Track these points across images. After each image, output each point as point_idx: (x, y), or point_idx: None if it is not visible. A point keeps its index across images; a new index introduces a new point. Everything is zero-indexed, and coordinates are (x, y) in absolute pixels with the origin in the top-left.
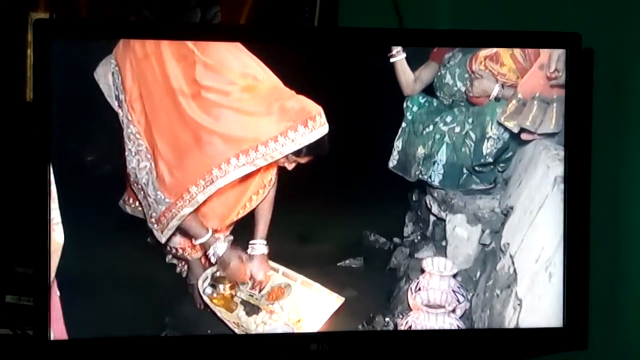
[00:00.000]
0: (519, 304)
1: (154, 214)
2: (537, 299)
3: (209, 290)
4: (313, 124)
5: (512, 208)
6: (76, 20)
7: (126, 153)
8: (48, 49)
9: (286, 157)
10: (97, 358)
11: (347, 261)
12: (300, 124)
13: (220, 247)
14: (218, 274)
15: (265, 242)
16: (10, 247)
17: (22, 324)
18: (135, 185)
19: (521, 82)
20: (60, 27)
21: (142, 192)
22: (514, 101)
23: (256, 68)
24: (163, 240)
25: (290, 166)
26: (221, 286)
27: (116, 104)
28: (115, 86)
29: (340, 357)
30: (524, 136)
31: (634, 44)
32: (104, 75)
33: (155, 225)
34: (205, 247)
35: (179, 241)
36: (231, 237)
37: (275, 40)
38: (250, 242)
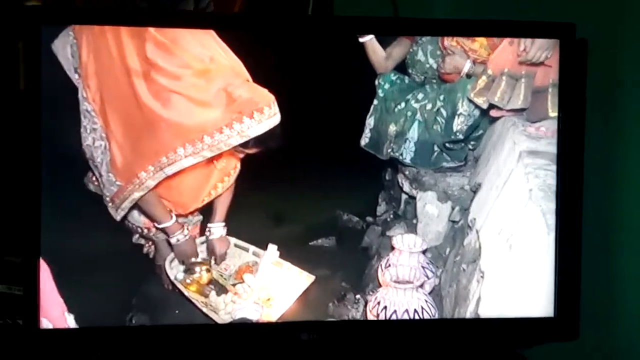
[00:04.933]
0: (482, 277)
1: (107, 193)
2: (499, 275)
3: (180, 276)
4: (260, 116)
5: (480, 185)
6: (65, 7)
7: (82, 130)
8: (38, 35)
9: (234, 148)
10: (87, 346)
11: (320, 240)
12: (245, 116)
13: (181, 237)
14: (192, 259)
15: (223, 224)
16: (0, 236)
17: (13, 313)
18: (92, 162)
19: (491, 57)
20: (49, 13)
21: (97, 171)
22: (483, 77)
23: (216, 48)
24: (118, 218)
25: (241, 156)
26: (197, 269)
27: (76, 77)
28: (74, 59)
29: (330, 346)
30: (493, 113)
31: (628, 34)
32: (62, 48)
33: (110, 204)
34: (167, 232)
35: (143, 221)
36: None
37: (245, 28)
38: (209, 224)
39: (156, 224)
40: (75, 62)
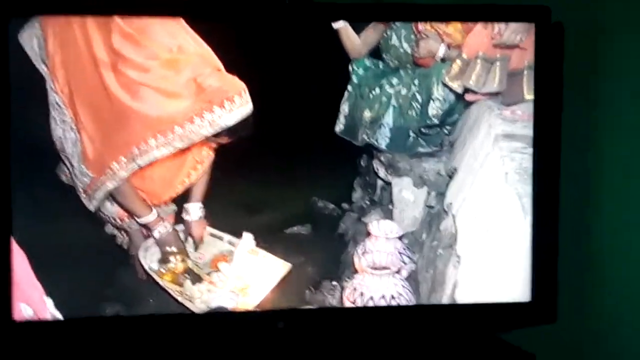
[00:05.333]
0: (457, 261)
1: (80, 185)
2: (476, 260)
3: (155, 266)
4: (231, 105)
5: (455, 169)
6: None
7: (51, 121)
8: (6, 27)
9: (207, 138)
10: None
11: (295, 228)
12: (216, 105)
13: (163, 229)
14: (166, 249)
15: (200, 205)
16: None
17: None
18: (62, 153)
19: (465, 41)
20: (18, 6)
21: (68, 162)
22: (458, 61)
23: (185, 37)
24: (92, 209)
25: (214, 145)
26: (172, 259)
27: (43, 68)
28: (41, 51)
29: (307, 334)
30: (468, 97)
31: (607, 17)
32: (29, 39)
33: (83, 195)
34: (149, 226)
35: (115, 211)
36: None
37: (216, 16)
38: (185, 205)
39: (136, 219)
40: (42, 53)
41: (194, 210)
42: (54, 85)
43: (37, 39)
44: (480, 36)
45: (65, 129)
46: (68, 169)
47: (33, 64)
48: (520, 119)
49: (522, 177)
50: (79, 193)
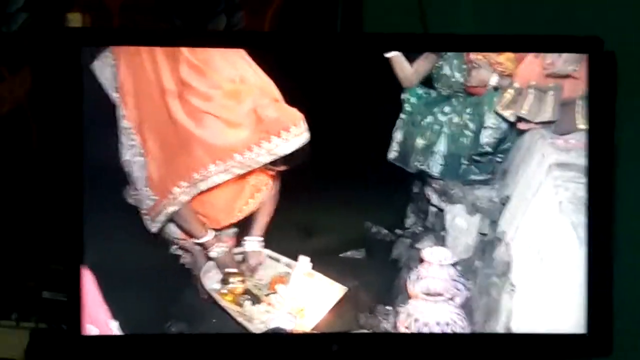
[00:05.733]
0: (512, 290)
1: (144, 207)
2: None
3: (216, 286)
4: (287, 135)
5: (509, 197)
6: (104, 29)
7: (120, 145)
8: (78, 56)
9: (264, 166)
10: (128, 352)
11: (350, 252)
12: (273, 135)
13: (219, 250)
14: (224, 270)
15: (260, 239)
16: (45, 244)
17: (58, 318)
18: (130, 176)
19: (517, 70)
20: (88, 35)
21: (135, 185)
22: (510, 90)
23: (246, 68)
24: (154, 230)
25: (272, 174)
26: (232, 280)
27: (115, 96)
28: (113, 79)
29: (360, 358)
30: (520, 125)
31: None
32: (101, 68)
33: (147, 217)
34: (205, 246)
35: (180, 233)
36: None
37: (275, 47)
38: (245, 237)
39: (194, 240)
40: (114, 81)
41: (253, 244)
42: (124, 111)
43: (110, 68)
44: (532, 66)
45: (133, 153)
46: (134, 192)
47: (106, 92)
48: (574, 148)
49: (576, 207)
50: (142, 215)
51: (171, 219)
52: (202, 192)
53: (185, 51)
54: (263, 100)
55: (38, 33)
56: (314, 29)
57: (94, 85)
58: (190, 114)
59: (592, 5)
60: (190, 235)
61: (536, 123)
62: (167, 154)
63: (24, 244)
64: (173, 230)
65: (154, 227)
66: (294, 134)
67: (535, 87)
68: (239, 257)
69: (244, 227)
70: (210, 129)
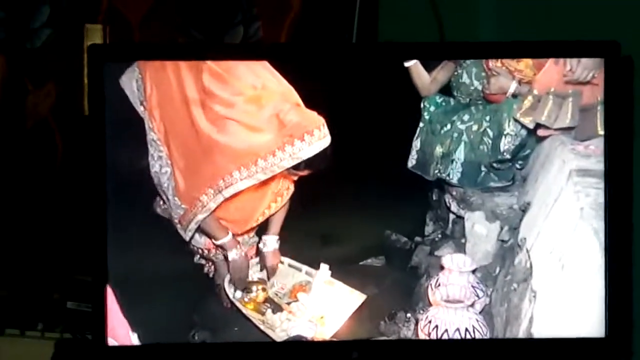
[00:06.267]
0: (533, 296)
1: (175, 216)
2: (552, 295)
3: (238, 294)
4: (310, 138)
5: (529, 204)
6: (126, 44)
7: (149, 158)
8: (101, 71)
9: (287, 170)
10: None
11: (369, 260)
12: (297, 139)
13: (238, 253)
14: (250, 278)
15: (276, 237)
16: (70, 255)
17: (82, 329)
18: (159, 187)
19: (536, 77)
20: (112, 51)
21: (164, 195)
22: (529, 97)
23: (267, 76)
24: (187, 238)
25: (294, 178)
26: (254, 288)
27: (141, 109)
28: (140, 92)
29: None
30: (540, 132)
31: None
32: (129, 82)
33: (179, 225)
34: (224, 248)
35: (203, 242)
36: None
37: (295, 57)
38: (263, 236)
39: (214, 241)
40: (140, 95)
41: (271, 242)
42: (151, 124)
43: (137, 82)
44: (551, 73)
45: (162, 165)
46: (165, 202)
47: (133, 105)
48: (594, 154)
49: (597, 213)
50: (174, 224)
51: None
52: (226, 198)
53: (207, 60)
54: (285, 105)
55: (62, 49)
56: (330, 38)
57: (122, 99)
58: (212, 121)
59: (612, 10)
60: (211, 237)
61: (556, 129)
62: (192, 163)
63: (49, 254)
64: (198, 240)
65: (187, 236)
66: (317, 137)
67: (554, 94)
68: (257, 266)
69: (262, 229)
70: (233, 134)
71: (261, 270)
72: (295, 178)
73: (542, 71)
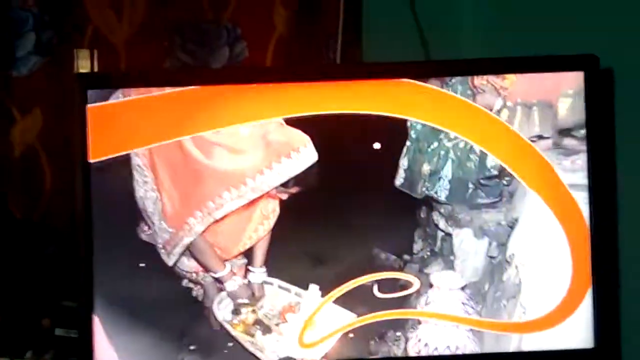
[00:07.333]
0: (523, 313)
1: (160, 241)
2: (542, 306)
3: (228, 316)
4: (297, 155)
5: (517, 220)
6: (107, 73)
7: (134, 182)
8: (85, 98)
9: (276, 188)
10: None
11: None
12: (284, 156)
13: (234, 284)
14: (237, 301)
15: (264, 269)
16: (57, 282)
17: (72, 355)
18: (144, 212)
19: (508, 90)
20: (96, 79)
21: (149, 220)
22: (504, 110)
23: None
24: (170, 263)
25: (283, 197)
26: (243, 310)
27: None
28: None
29: None
30: None
31: None
32: None
33: (163, 250)
34: (222, 280)
35: (192, 266)
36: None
37: (281, 79)
38: (250, 267)
39: (212, 274)
40: None
41: (259, 275)
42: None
43: None
44: (522, 84)
45: (147, 190)
46: (149, 227)
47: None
48: (580, 169)
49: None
50: (158, 249)
51: (187, 251)
52: (214, 221)
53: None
54: (269, 125)
55: (48, 76)
56: (314, 57)
57: None
58: (199, 145)
59: (592, 25)
60: (207, 268)
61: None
62: (180, 186)
63: (35, 281)
64: (186, 264)
65: (170, 261)
66: (304, 153)
67: (522, 104)
68: (249, 291)
69: (249, 257)
70: (220, 158)
71: (248, 295)
72: (284, 197)
73: (514, 83)
